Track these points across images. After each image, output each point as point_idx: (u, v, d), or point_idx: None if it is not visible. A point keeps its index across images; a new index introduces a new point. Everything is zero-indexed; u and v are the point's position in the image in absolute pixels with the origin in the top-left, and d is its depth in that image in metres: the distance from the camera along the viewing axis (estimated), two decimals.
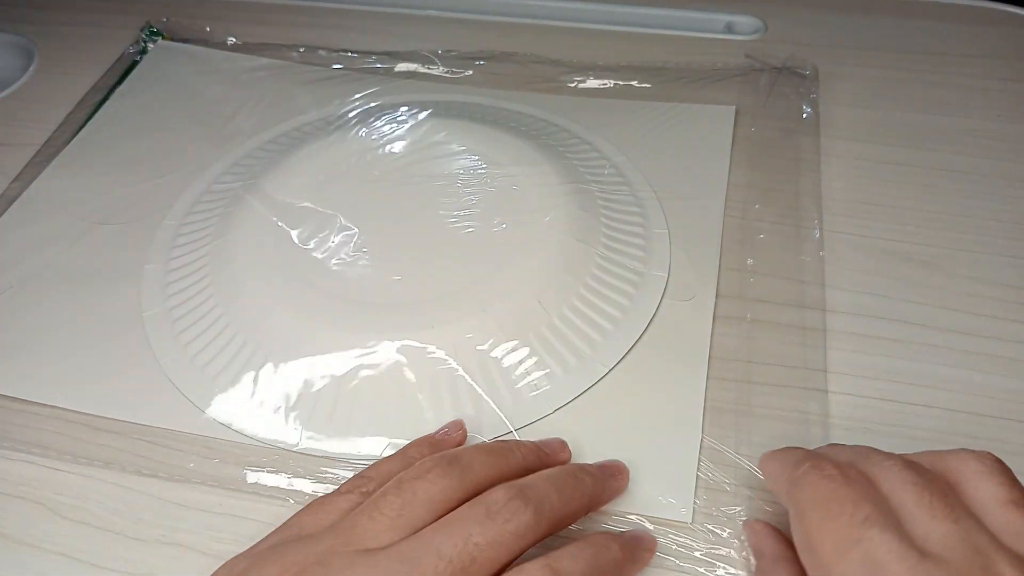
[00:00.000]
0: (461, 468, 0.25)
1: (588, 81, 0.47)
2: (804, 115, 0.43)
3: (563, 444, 0.30)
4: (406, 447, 0.30)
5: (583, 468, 0.28)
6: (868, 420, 0.31)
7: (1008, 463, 0.30)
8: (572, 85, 0.47)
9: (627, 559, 0.25)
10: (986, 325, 0.34)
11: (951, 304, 0.35)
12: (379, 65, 0.49)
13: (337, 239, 0.38)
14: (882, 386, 0.32)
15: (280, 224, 0.39)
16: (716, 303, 0.35)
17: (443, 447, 0.29)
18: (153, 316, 0.37)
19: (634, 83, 0.47)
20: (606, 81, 0.47)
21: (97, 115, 0.48)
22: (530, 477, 0.26)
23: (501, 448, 0.27)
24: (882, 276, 0.36)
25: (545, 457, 0.29)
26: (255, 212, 0.40)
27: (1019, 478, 0.29)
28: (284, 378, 0.33)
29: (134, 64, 0.51)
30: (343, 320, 0.35)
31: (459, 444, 0.30)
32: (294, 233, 0.38)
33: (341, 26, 0.53)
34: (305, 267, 0.37)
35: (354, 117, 0.46)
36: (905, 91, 0.46)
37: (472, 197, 0.39)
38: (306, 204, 0.40)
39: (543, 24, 0.53)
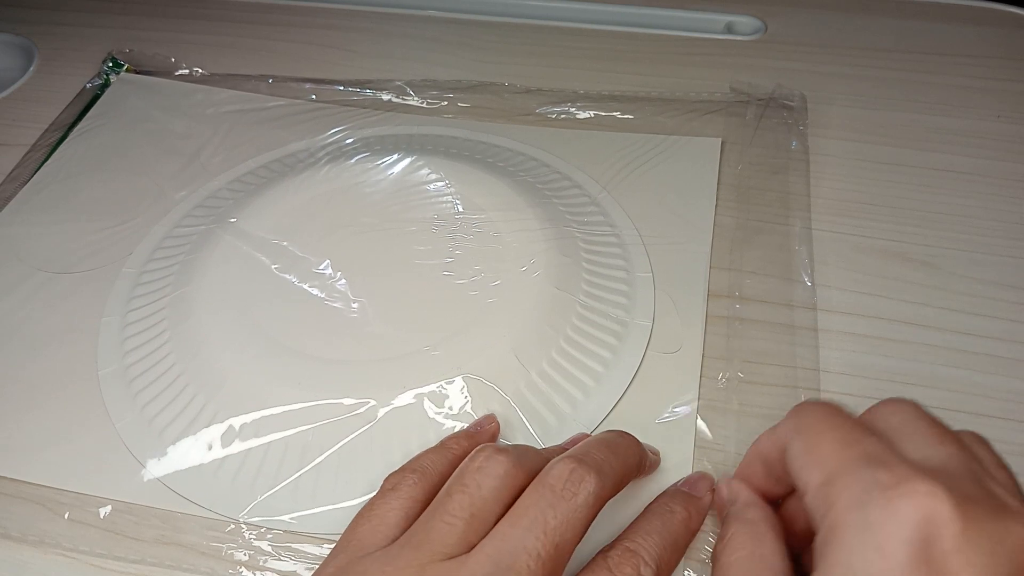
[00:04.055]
0: (516, 452, 0.25)
1: (569, 112, 0.46)
2: (792, 146, 0.42)
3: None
4: (444, 440, 0.29)
5: (622, 431, 0.28)
6: None
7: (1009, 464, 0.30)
8: (552, 116, 0.45)
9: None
10: (985, 325, 0.34)
11: (950, 304, 0.35)
12: (354, 97, 0.48)
13: (304, 290, 0.36)
14: (882, 386, 0.32)
15: (243, 274, 0.37)
16: (704, 357, 0.34)
17: (479, 439, 0.29)
18: (109, 375, 0.34)
19: (616, 114, 0.45)
20: (588, 112, 0.46)
21: (54, 155, 0.45)
22: (581, 445, 0.26)
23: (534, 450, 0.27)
24: (880, 276, 0.36)
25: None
26: (217, 260, 0.37)
27: (1022, 478, 0.29)
28: (247, 444, 0.31)
29: (96, 98, 0.49)
30: (310, 380, 0.32)
31: (493, 436, 0.30)
32: (259, 283, 0.36)
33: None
34: (269, 321, 0.34)
35: (325, 154, 0.43)
36: (905, 91, 0.46)
37: (448, 243, 0.37)
38: (271, 251, 0.38)
39: (542, 24, 0.53)
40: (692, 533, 0.27)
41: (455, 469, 0.26)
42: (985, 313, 0.35)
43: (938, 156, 0.42)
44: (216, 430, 0.32)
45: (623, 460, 0.26)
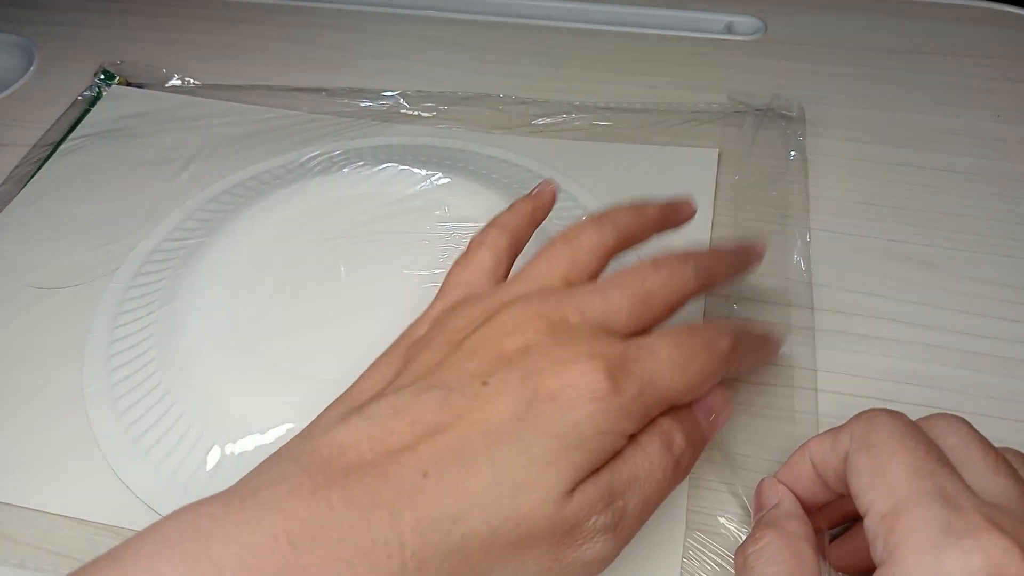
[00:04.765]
0: (610, 220, 0.29)
1: (564, 123, 0.45)
2: (790, 157, 0.42)
3: (688, 201, 0.32)
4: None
5: (722, 247, 0.31)
6: None
7: None
8: (548, 127, 0.45)
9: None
10: (985, 325, 0.34)
11: (950, 304, 0.35)
12: (347, 108, 0.47)
13: (294, 305, 0.35)
14: (881, 386, 0.32)
15: (231, 289, 0.36)
16: None
17: (541, 200, 0.32)
18: (95, 393, 0.33)
19: (612, 124, 0.45)
20: (583, 123, 0.45)
21: (43, 170, 0.44)
22: (683, 251, 0.29)
23: (635, 204, 0.30)
24: (880, 276, 0.36)
25: (675, 212, 0.32)
26: (204, 275, 0.36)
27: None
28: (233, 465, 0.30)
29: (87, 112, 0.48)
30: (300, 400, 0.31)
31: (553, 196, 0.33)
32: (247, 299, 0.35)
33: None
34: (258, 338, 0.34)
35: (316, 166, 0.43)
36: (905, 91, 0.46)
37: (440, 256, 0.36)
38: (261, 265, 0.37)
39: (542, 25, 0.53)
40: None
41: (532, 223, 0.31)
42: (985, 313, 0.35)
43: (938, 156, 0.42)
44: (202, 451, 0.31)
45: (717, 262, 0.29)
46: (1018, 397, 0.32)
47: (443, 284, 0.30)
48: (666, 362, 0.24)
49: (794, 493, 0.26)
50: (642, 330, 0.26)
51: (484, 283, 0.29)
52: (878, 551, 0.21)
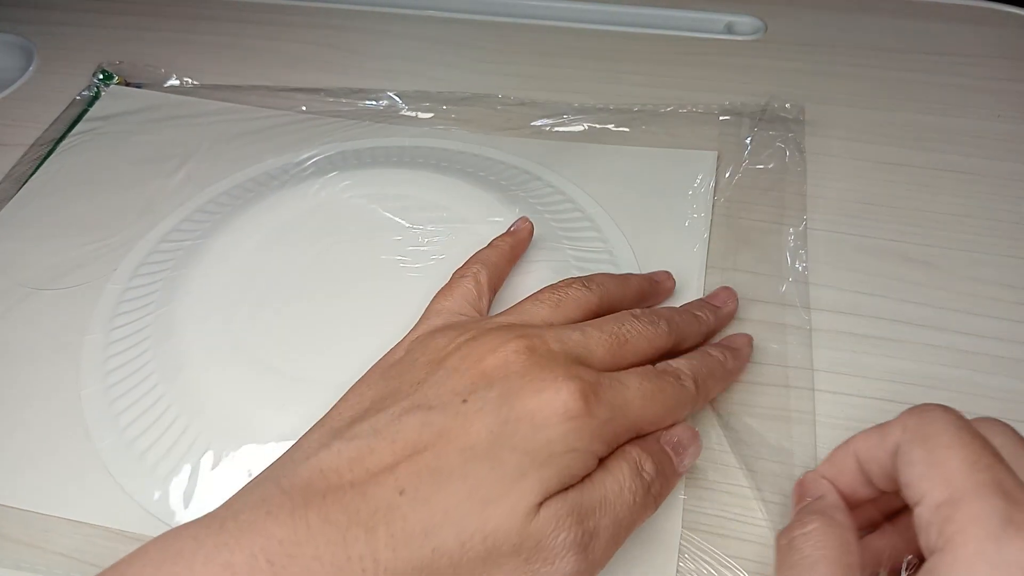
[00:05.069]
0: (596, 283, 0.31)
1: (563, 124, 0.45)
2: (788, 157, 0.41)
3: (668, 274, 0.35)
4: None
5: (701, 305, 0.33)
6: (868, 420, 0.31)
7: None
8: (547, 129, 0.45)
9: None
10: (985, 325, 0.34)
11: (950, 304, 0.35)
12: (345, 108, 0.47)
13: (290, 308, 0.35)
14: (882, 386, 0.32)
15: (229, 291, 0.36)
16: None
17: (519, 236, 0.35)
18: (91, 395, 0.33)
19: (611, 126, 0.45)
20: (582, 125, 0.45)
21: (41, 170, 0.44)
22: (659, 308, 0.31)
23: (621, 275, 0.33)
24: (879, 276, 0.36)
25: (655, 284, 0.34)
26: (202, 277, 0.37)
27: None
28: (228, 468, 0.30)
29: (85, 111, 0.48)
30: (296, 402, 0.31)
31: (530, 233, 0.36)
32: (244, 301, 0.35)
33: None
34: (256, 340, 0.34)
35: (312, 167, 0.43)
36: (905, 91, 0.46)
37: (436, 258, 0.36)
38: (257, 266, 0.37)
39: (542, 24, 0.53)
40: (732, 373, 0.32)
41: (511, 259, 0.34)
42: (985, 313, 0.35)
43: (938, 156, 0.42)
44: (197, 454, 0.31)
45: (689, 324, 0.31)
46: (1018, 397, 0.32)
47: (425, 312, 0.31)
48: (636, 392, 0.26)
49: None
50: (616, 370, 0.27)
51: (466, 312, 0.31)
52: (931, 539, 0.21)
